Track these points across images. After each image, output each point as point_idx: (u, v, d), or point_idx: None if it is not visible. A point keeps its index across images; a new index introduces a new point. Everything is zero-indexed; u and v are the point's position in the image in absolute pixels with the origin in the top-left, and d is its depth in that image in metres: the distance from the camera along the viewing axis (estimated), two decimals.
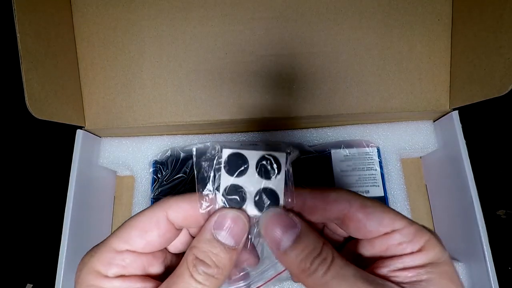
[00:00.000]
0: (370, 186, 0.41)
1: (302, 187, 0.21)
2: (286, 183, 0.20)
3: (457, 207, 0.40)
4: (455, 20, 0.40)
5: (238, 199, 0.20)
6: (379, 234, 0.19)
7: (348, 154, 0.43)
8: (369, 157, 0.42)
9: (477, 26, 0.36)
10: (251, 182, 0.20)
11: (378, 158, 0.42)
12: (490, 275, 0.35)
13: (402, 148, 0.44)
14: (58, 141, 0.53)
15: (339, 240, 0.23)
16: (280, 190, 0.20)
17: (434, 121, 0.45)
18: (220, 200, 0.20)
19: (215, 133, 0.46)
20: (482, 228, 0.36)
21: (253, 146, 0.20)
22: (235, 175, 0.20)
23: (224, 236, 0.19)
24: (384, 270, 0.18)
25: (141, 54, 0.42)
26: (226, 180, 0.20)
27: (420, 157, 0.48)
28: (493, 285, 0.35)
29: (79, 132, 0.42)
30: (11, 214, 0.53)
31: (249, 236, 0.21)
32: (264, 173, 0.20)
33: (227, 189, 0.20)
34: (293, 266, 0.18)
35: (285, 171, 0.20)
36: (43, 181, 0.54)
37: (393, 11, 0.40)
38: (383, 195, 0.41)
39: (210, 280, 0.18)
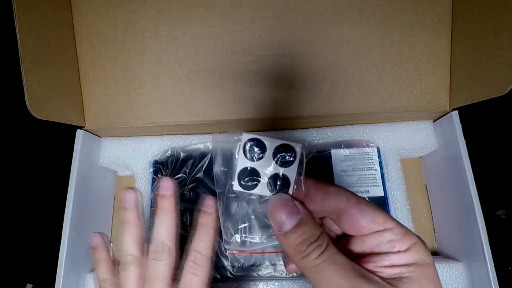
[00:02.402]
0: (370, 186, 0.41)
1: (308, 178, 0.22)
2: (298, 172, 0.21)
3: (457, 207, 0.40)
4: (455, 20, 0.40)
5: (251, 181, 0.22)
6: (371, 231, 0.20)
7: (348, 154, 0.43)
8: (369, 157, 0.42)
9: (477, 26, 0.36)
10: (266, 166, 0.22)
11: (378, 158, 0.42)
12: (490, 275, 0.35)
13: (402, 148, 0.44)
14: (58, 141, 0.53)
15: (333, 237, 0.24)
16: (292, 177, 0.21)
17: (434, 121, 0.45)
18: (236, 183, 0.22)
19: (215, 133, 0.46)
20: (482, 228, 0.36)
21: (271, 135, 0.22)
22: (252, 158, 0.22)
23: None
24: (370, 265, 0.20)
25: (141, 54, 0.42)
26: (243, 162, 0.22)
27: (420, 157, 0.48)
28: (493, 285, 0.35)
29: (79, 132, 0.42)
30: (11, 214, 0.53)
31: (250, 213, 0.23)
32: (279, 160, 0.21)
33: (243, 172, 0.22)
34: (290, 248, 0.20)
35: (299, 161, 0.21)
36: (43, 181, 0.54)
37: (393, 11, 0.40)
38: (383, 195, 0.41)
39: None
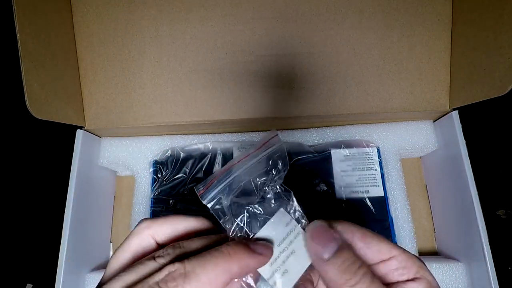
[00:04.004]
0: (370, 186, 0.41)
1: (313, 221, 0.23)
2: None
3: (457, 207, 0.40)
4: (455, 20, 0.40)
5: None
6: (378, 261, 0.21)
7: (348, 154, 0.42)
8: (369, 157, 0.42)
9: (477, 26, 0.36)
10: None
11: (378, 158, 0.42)
12: (490, 275, 0.35)
13: (402, 148, 0.44)
14: (58, 141, 0.53)
15: None
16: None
17: (434, 121, 0.45)
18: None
19: (215, 133, 0.46)
20: (482, 228, 0.36)
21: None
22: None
23: None
24: None
25: (141, 54, 0.42)
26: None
27: (420, 157, 0.48)
28: (493, 285, 0.35)
29: (79, 132, 0.42)
30: (11, 214, 0.53)
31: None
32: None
33: None
34: (335, 275, 0.20)
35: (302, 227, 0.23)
36: (43, 181, 0.54)
37: (393, 11, 0.40)
38: (383, 195, 0.41)
39: None
